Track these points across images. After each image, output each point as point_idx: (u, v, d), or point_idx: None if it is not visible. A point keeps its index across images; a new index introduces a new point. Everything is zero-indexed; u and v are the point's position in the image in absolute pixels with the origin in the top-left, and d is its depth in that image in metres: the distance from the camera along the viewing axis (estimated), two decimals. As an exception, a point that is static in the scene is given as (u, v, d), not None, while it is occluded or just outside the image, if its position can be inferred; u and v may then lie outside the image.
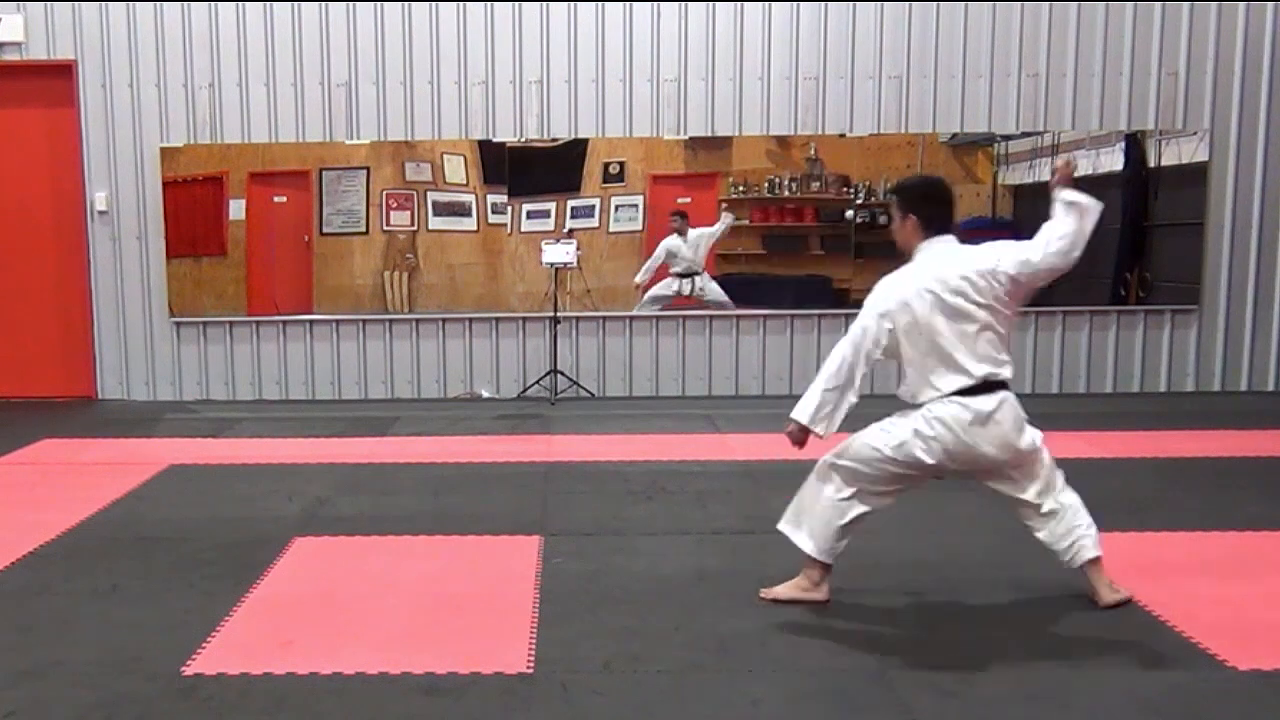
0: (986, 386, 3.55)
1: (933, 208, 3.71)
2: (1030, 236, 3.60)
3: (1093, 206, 3.54)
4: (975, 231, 7.86)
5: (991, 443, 3.56)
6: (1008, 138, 7.92)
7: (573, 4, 7.78)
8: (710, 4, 7.81)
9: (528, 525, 4.76)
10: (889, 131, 7.88)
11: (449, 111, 7.84)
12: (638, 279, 8.04)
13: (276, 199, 7.93)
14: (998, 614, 3.71)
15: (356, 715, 3.01)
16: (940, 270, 3.59)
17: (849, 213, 7.94)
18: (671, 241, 7.98)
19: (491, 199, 7.92)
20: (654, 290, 8.08)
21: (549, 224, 7.96)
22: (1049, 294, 8.00)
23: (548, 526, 4.74)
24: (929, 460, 3.59)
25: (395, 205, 7.93)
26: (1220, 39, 7.85)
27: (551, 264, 7.68)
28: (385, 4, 7.76)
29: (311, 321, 8.04)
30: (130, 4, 7.69)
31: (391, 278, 8.01)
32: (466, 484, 5.55)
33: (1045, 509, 3.69)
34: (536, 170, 7.93)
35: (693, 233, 7.98)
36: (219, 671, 3.27)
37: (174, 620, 3.68)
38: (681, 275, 8.04)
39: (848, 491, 3.70)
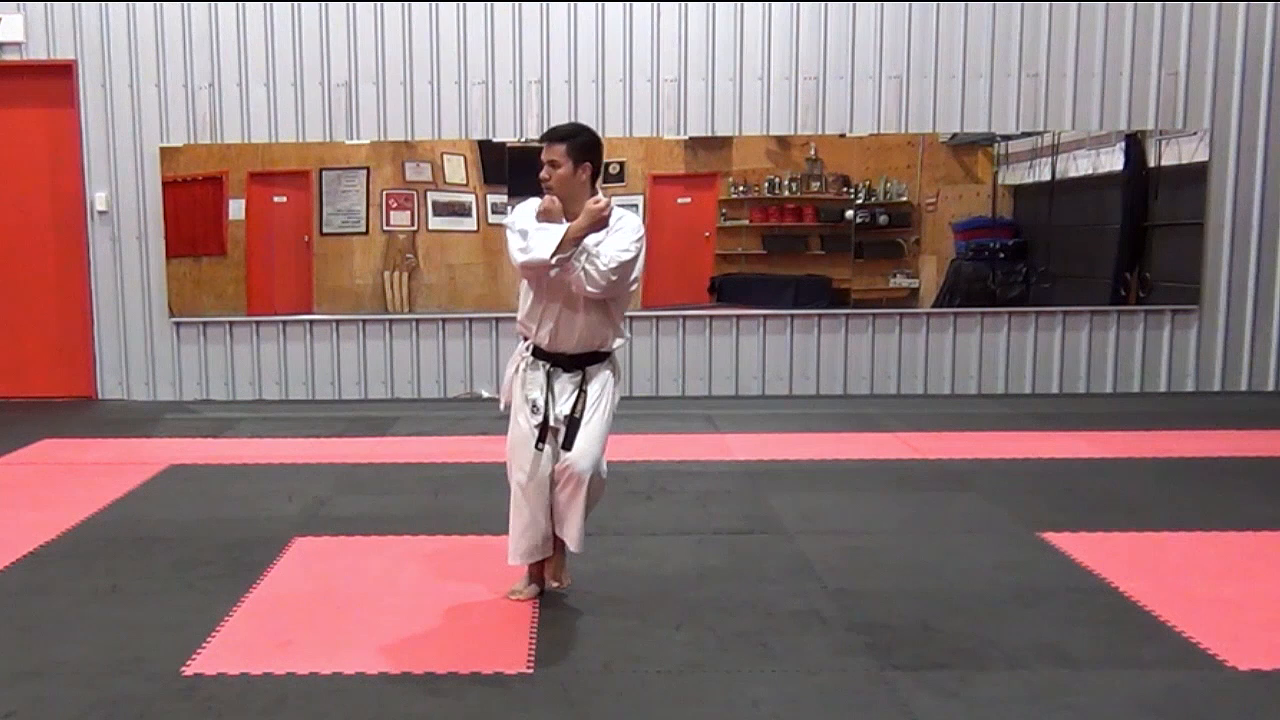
0: None
1: (600, 161, 3.76)
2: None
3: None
4: (975, 231, 7.88)
5: None
6: (1008, 138, 7.91)
7: (573, 4, 7.78)
8: (710, 4, 7.80)
9: (528, 525, 4.76)
10: (889, 131, 7.88)
11: (449, 111, 7.85)
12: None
13: (276, 199, 7.93)
14: (998, 614, 3.71)
15: (356, 715, 3.01)
16: None
17: (849, 213, 7.94)
18: None
19: (491, 199, 7.92)
20: None
21: (549, 224, 7.94)
22: (1049, 294, 8.09)
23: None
24: None
25: (395, 205, 7.93)
26: (1220, 39, 7.85)
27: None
28: (385, 4, 7.77)
29: (311, 321, 8.04)
30: (130, 4, 7.69)
31: (391, 278, 8.01)
32: (466, 484, 5.54)
33: None
34: (537, 170, 7.90)
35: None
36: (219, 671, 3.27)
37: (174, 620, 3.68)
38: None
39: None
